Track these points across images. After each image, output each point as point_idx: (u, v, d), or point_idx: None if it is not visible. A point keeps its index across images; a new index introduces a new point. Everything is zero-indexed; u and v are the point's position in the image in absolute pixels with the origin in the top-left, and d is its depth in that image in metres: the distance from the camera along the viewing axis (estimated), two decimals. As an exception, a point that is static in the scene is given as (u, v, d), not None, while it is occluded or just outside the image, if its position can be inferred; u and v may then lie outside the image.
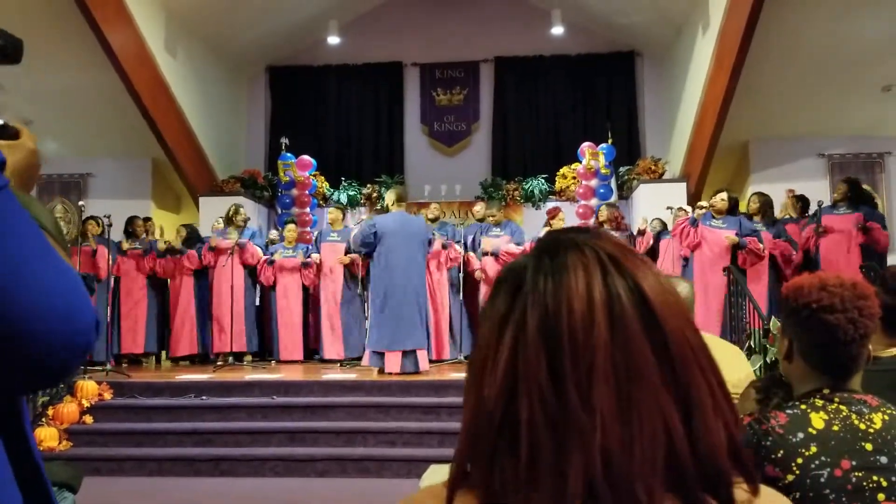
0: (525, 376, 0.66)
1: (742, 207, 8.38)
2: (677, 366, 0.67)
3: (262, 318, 9.02)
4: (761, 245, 7.28)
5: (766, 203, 7.82)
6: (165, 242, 8.97)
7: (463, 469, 0.70)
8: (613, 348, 0.66)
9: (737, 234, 7.30)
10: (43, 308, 0.73)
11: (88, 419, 6.26)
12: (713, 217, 7.56)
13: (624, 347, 0.66)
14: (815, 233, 7.74)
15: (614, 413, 0.64)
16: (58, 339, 0.74)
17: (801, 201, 8.68)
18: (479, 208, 9.31)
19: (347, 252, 8.57)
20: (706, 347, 0.71)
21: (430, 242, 7.59)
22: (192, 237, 9.03)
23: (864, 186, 9.03)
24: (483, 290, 8.56)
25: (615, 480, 0.63)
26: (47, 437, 5.92)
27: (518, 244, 8.61)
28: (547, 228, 8.42)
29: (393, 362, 6.99)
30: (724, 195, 7.64)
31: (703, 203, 7.88)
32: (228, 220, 8.75)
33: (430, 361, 7.98)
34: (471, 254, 8.64)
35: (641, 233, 8.84)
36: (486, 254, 8.58)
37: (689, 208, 8.41)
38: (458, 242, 8.59)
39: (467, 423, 0.70)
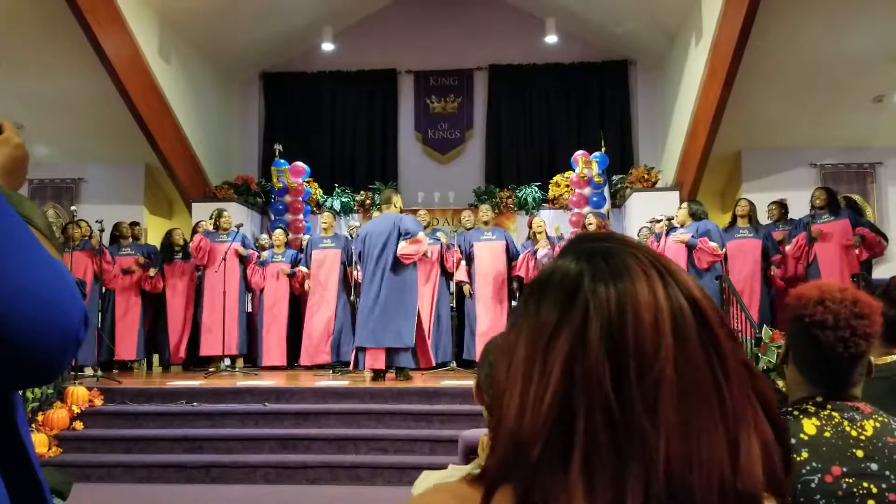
0: (586, 385, 0.64)
1: (728, 216, 8.50)
2: (731, 386, 0.66)
3: (251, 323, 9.00)
4: (713, 244, 7.41)
5: (692, 211, 7.94)
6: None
7: (502, 475, 0.67)
8: (678, 362, 0.65)
9: (692, 237, 7.47)
10: (29, 303, 0.72)
11: (78, 425, 6.22)
12: (681, 227, 7.86)
13: (686, 361, 0.65)
14: (808, 241, 7.80)
15: (677, 427, 0.63)
16: (45, 335, 0.72)
17: (782, 207, 8.73)
18: (467, 215, 9.31)
19: (347, 261, 8.57)
20: (751, 363, 0.70)
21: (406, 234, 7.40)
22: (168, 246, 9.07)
23: (852, 195, 9.12)
24: (478, 294, 8.56)
25: (677, 496, 0.62)
26: (37, 443, 5.87)
27: (514, 250, 8.66)
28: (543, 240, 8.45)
29: (372, 359, 7.06)
30: (683, 205, 7.98)
31: (658, 217, 8.08)
32: (214, 226, 8.76)
33: (424, 368, 7.98)
34: (461, 260, 8.63)
35: None
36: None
37: (662, 218, 8.42)
38: (448, 246, 8.55)
39: (511, 429, 0.67)
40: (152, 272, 8.83)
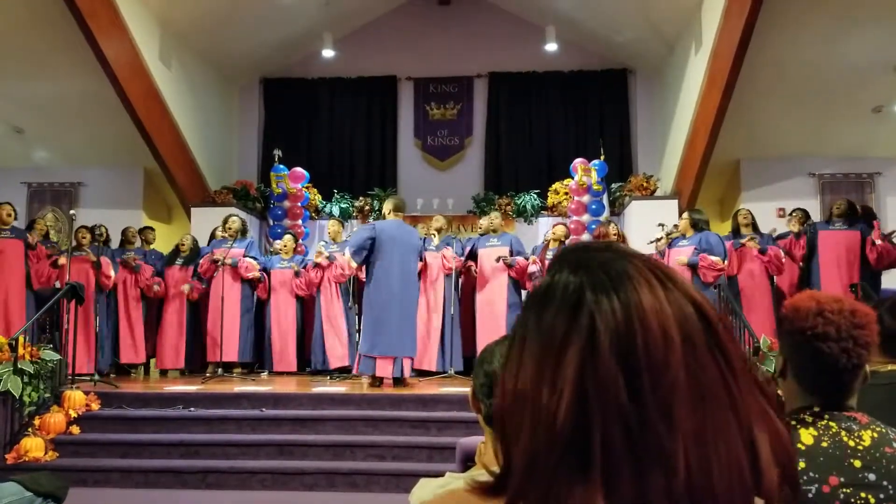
0: (601, 397, 0.64)
1: (728, 224, 8.49)
2: (740, 386, 0.66)
3: (258, 330, 8.96)
4: (714, 258, 7.39)
5: (694, 220, 7.87)
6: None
7: (521, 492, 0.67)
8: (689, 366, 0.64)
9: (695, 250, 7.48)
10: None
11: (75, 429, 6.20)
12: (683, 237, 7.85)
13: (696, 366, 0.65)
14: (797, 237, 7.88)
15: (694, 434, 0.63)
16: None
17: (806, 215, 8.62)
18: (484, 222, 9.15)
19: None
20: (753, 362, 0.70)
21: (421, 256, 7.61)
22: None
23: (869, 206, 9.09)
24: (480, 300, 8.51)
25: (700, 501, 0.62)
26: (33, 447, 5.86)
27: (519, 253, 8.56)
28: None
29: (384, 367, 7.02)
30: (684, 215, 7.96)
31: (660, 234, 8.08)
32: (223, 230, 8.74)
33: (422, 373, 8.00)
34: (470, 262, 8.62)
35: None
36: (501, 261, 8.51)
37: (662, 233, 8.43)
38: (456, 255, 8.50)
39: (526, 446, 0.67)
40: (149, 275, 8.80)
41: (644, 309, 0.66)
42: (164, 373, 8.93)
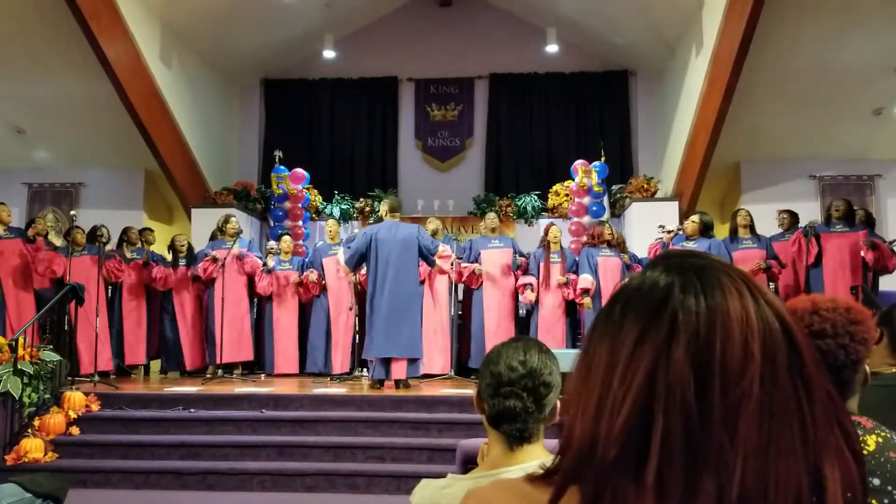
0: (668, 395, 0.64)
1: (726, 226, 8.49)
2: (815, 415, 0.66)
3: (258, 330, 8.94)
4: None
5: (705, 223, 7.86)
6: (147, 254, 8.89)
7: (575, 474, 0.68)
8: (764, 382, 0.64)
9: None
10: None
11: (75, 430, 6.20)
12: (686, 239, 7.75)
13: (772, 384, 0.65)
14: (805, 234, 7.80)
15: (756, 447, 0.63)
16: None
17: (793, 216, 8.67)
18: (488, 220, 9.03)
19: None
20: (835, 394, 0.69)
21: (425, 252, 7.48)
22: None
23: (869, 210, 9.09)
24: (486, 299, 8.47)
25: None
26: (33, 448, 5.86)
27: (521, 255, 8.55)
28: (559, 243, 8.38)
29: (380, 369, 7.02)
30: (695, 217, 7.86)
31: (670, 227, 8.05)
32: (220, 230, 8.71)
33: (423, 375, 7.98)
34: (468, 265, 8.56)
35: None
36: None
37: (673, 227, 8.43)
38: (458, 258, 8.46)
39: (587, 431, 0.67)
40: (145, 261, 8.77)
41: (729, 317, 0.66)
42: (164, 373, 8.91)
